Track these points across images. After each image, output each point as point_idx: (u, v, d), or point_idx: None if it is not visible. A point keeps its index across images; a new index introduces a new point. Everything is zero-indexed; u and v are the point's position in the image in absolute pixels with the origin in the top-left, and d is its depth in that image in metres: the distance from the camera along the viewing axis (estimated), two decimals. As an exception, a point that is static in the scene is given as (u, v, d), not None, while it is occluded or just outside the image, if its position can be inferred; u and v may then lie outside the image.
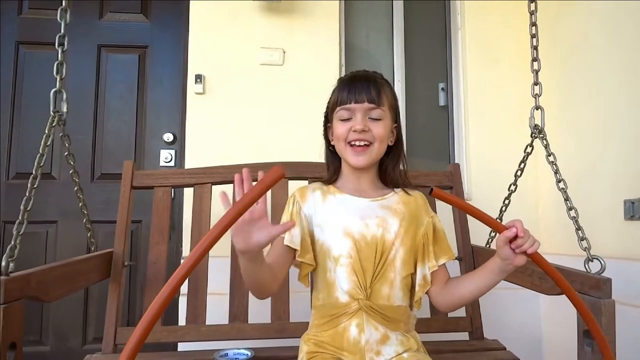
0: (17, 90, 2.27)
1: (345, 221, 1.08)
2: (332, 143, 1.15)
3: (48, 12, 2.29)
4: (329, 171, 1.18)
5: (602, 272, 1.13)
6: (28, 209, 1.09)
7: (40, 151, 1.17)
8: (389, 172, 1.14)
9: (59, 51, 1.27)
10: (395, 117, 1.13)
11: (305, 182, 1.56)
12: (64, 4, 1.27)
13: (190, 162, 2.08)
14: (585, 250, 1.21)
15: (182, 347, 1.56)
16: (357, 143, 1.06)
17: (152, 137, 2.31)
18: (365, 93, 1.06)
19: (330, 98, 1.14)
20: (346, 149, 1.08)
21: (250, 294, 1.48)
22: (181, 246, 2.08)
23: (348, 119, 1.07)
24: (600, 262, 1.15)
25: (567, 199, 1.29)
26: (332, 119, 1.12)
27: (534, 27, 1.43)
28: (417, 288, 1.09)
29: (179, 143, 2.27)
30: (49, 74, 2.22)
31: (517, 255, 0.90)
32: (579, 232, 1.24)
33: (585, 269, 1.19)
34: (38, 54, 2.29)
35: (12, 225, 2.10)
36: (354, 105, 1.06)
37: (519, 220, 0.90)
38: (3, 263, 0.99)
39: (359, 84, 1.08)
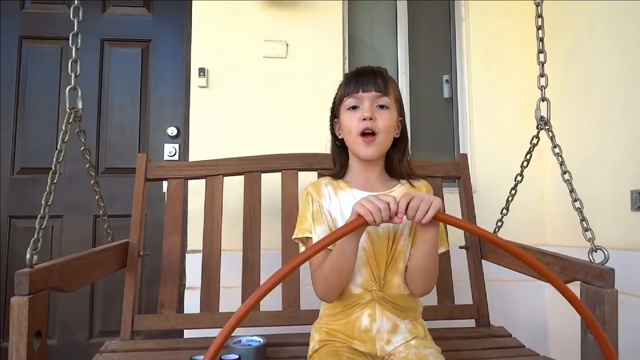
0: (20, 85, 2.27)
1: None
2: (339, 137, 1.17)
3: (50, 7, 2.29)
4: (336, 166, 1.20)
5: (605, 263, 1.14)
6: (49, 203, 1.11)
7: (58, 147, 1.18)
8: (395, 165, 1.17)
9: (73, 49, 1.28)
10: (401, 111, 1.16)
11: (314, 174, 1.59)
12: (76, 2, 1.27)
13: (194, 156, 2.09)
14: (589, 241, 1.22)
15: (194, 334, 1.59)
16: (366, 132, 1.07)
17: (155, 131, 2.32)
18: (372, 83, 1.09)
19: (337, 92, 1.16)
20: (357, 141, 1.09)
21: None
22: (186, 239, 2.10)
23: (355, 107, 1.09)
24: (604, 253, 1.16)
25: (572, 190, 1.30)
26: (340, 112, 1.14)
27: (539, 19, 1.42)
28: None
29: (182, 137, 2.28)
30: (52, 69, 2.27)
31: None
32: (584, 222, 1.25)
33: (589, 259, 1.20)
34: (41, 49, 2.29)
35: (18, 220, 2.17)
36: (362, 94, 1.09)
37: (403, 196, 0.94)
38: (27, 255, 1.01)
39: (366, 76, 1.11)
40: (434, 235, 1.01)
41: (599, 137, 1.88)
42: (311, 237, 1.10)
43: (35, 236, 1.05)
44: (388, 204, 0.91)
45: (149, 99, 2.33)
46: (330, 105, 1.20)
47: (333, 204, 1.12)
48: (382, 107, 1.09)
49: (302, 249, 1.16)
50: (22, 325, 0.94)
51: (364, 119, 1.07)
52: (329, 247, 1.04)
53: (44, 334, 1.00)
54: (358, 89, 1.09)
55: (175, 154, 2.28)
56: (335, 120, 1.18)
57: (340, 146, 1.19)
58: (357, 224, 0.89)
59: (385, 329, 1.06)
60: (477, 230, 0.90)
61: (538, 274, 0.85)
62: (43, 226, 1.08)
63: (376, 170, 1.15)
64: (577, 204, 1.29)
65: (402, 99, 2.26)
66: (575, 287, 1.13)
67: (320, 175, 1.51)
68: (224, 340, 0.67)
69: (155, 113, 2.33)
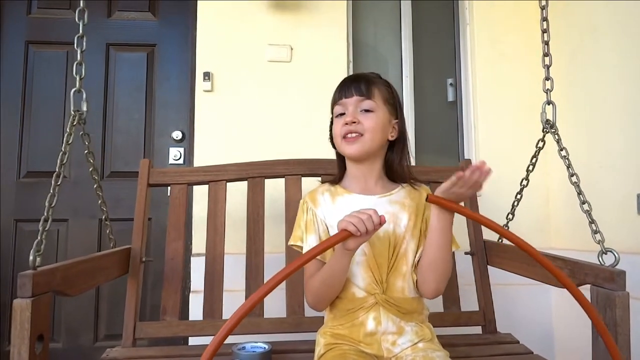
0: (27, 90, 2.29)
1: None
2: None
3: (56, 12, 2.32)
4: (339, 171, 1.22)
5: (616, 265, 1.14)
6: (53, 205, 1.11)
7: (63, 149, 1.18)
8: (395, 167, 1.17)
9: (78, 52, 1.28)
10: (395, 113, 1.16)
11: (318, 179, 1.58)
12: (81, 4, 1.28)
13: (199, 160, 2.10)
14: (599, 243, 1.22)
15: (197, 341, 1.58)
16: (348, 135, 1.10)
17: (161, 135, 2.32)
18: (354, 88, 1.11)
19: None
20: (342, 143, 1.12)
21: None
22: (191, 243, 2.10)
23: (342, 114, 1.12)
24: (614, 255, 1.16)
25: (580, 193, 1.29)
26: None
27: (544, 22, 1.43)
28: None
29: (187, 141, 2.29)
30: (58, 73, 2.29)
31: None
32: (592, 225, 1.24)
33: (599, 261, 1.19)
34: (47, 53, 2.31)
35: (25, 224, 2.18)
36: (345, 100, 1.11)
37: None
38: (31, 257, 1.00)
39: (349, 82, 1.13)
40: (449, 224, 1.01)
41: (604, 141, 1.86)
42: (302, 246, 1.13)
43: (39, 238, 1.05)
44: (370, 215, 0.92)
45: (154, 103, 2.34)
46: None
47: (331, 211, 1.13)
48: (366, 110, 1.11)
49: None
50: (24, 328, 0.93)
51: (346, 124, 1.09)
52: (319, 259, 1.08)
53: (46, 337, 1.00)
54: (342, 95, 1.12)
55: (180, 157, 2.29)
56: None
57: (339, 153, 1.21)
58: (341, 236, 0.91)
59: (390, 332, 1.06)
60: (481, 218, 0.92)
61: (549, 272, 0.84)
62: (47, 229, 1.07)
63: (374, 174, 1.16)
64: (586, 206, 1.28)
65: (406, 102, 2.27)
66: (584, 291, 1.11)
67: (322, 182, 1.51)
68: (214, 352, 0.68)
69: (161, 117, 2.34)
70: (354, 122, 1.08)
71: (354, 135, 1.09)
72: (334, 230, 1.11)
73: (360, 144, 1.09)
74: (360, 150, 1.10)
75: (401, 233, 1.09)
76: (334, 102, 1.14)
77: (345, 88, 1.12)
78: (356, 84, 1.11)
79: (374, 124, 1.10)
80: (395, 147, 1.17)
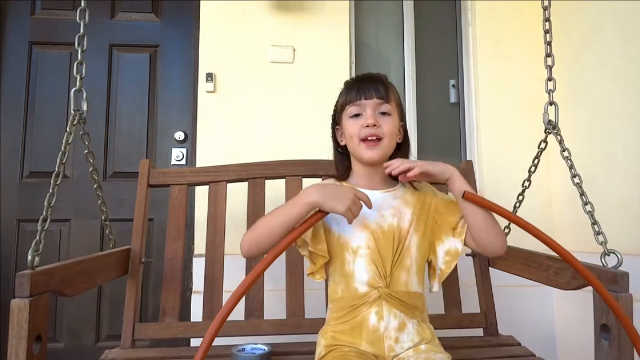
0: (30, 90, 2.30)
1: (361, 213, 1.09)
2: (341, 144, 1.18)
3: (60, 13, 2.33)
4: (339, 171, 1.21)
5: (619, 266, 1.13)
6: (52, 204, 1.10)
7: (62, 149, 1.18)
8: None
9: (79, 51, 1.28)
10: (402, 116, 1.16)
11: (319, 180, 1.58)
12: (83, 4, 1.28)
13: (201, 161, 2.10)
14: (601, 245, 1.21)
15: (198, 342, 1.57)
16: (369, 138, 1.08)
17: (163, 136, 2.32)
18: (374, 90, 1.10)
19: (337, 100, 1.17)
20: (359, 146, 1.10)
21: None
22: (193, 243, 2.10)
23: (358, 115, 1.10)
24: (617, 256, 1.14)
25: (582, 194, 1.28)
26: (341, 119, 1.15)
27: (547, 23, 1.42)
28: (442, 266, 1.11)
29: (190, 141, 2.29)
30: (61, 74, 2.29)
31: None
32: (595, 226, 1.23)
33: (602, 263, 1.18)
34: (50, 54, 2.32)
35: (27, 224, 2.18)
36: (364, 101, 1.09)
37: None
38: (29, 257, 1.00)
39: (367, 83, 1.12)
40: (468, 207, 1.05)
41: (608, 141, 1.86)
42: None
43: (37, 237, 1.04)
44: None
45: (156, 104, 2.35)
46: (332, 113, 1.20)
47: None
48: (384, 113, 1.10)
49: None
50: (22, 329, 0.93)
51: (367, 126, 1.08)
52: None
53: (44, 338, 1.00)
54: (360, 96, 1.10)
55: (182, 158, 2.29)
56: (337, 127, 1.19)
57: (342, 152, 1.20)
58: (318, 217, 0.99)
59: (392, 327, 1.05)
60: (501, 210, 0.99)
61: (577, 271, 0.86)
62: (45, 228, 1.07)
63: (379, 173, 1.15)
64: (588, 207, 1.26)
65: (408, 103, 2.28)
66: (587, 293, 1.11)
67: (324, 179, 1.50)
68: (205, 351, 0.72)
69: (163, 118, 2.34)
70: (375, 125, 1.08)
71: (373, 138, 1.08)
72: (334, 223, 1.11)
73: (379, 149, 1.09)
74: (381, 156, 1.10)
75: (406, 227, 1.10)
76: (349, 102, 1.11)
77: (365, 89, 1.10)
78: (375, 86, 1.10)
79: (391, 128, 1.10)
80: (401, 150, 1.17)
